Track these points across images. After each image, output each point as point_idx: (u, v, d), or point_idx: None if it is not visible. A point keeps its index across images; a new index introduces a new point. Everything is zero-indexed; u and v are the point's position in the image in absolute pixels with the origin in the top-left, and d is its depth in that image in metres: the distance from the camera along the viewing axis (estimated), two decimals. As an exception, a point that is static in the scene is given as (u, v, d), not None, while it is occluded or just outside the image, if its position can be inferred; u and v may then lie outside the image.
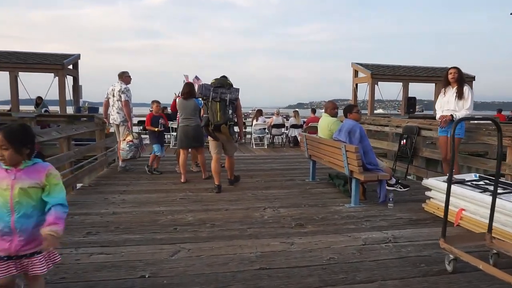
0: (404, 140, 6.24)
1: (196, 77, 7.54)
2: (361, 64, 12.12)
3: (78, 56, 10.65)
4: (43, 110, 9.62)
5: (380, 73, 11.45)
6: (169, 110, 7.80)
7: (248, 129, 12.76)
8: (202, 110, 5.65)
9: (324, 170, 6.15)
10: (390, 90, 12.28)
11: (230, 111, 5.17)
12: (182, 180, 5.85)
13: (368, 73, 11.34)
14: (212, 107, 5.07)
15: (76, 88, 10.72)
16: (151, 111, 6.48)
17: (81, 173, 5.95)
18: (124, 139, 6.32)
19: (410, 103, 10.27)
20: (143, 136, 7.20)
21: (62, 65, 9.59)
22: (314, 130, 11.37)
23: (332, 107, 5.47)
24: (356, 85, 12.63)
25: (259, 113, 11.20)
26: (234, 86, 5.38)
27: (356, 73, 12.57)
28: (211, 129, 5.27)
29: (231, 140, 5.43)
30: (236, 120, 5.60)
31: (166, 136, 9.23)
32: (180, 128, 5.91)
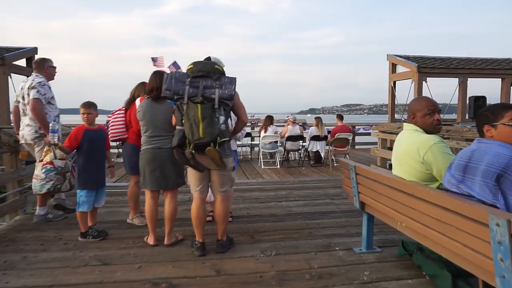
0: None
1: (175, 64, 4.89)
2: (401, 56, 9.33)
3: (33, 50, 8.16)
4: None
5: (429, 66, 8.66)
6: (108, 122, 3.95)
7: (255, 141, 10.05)
8: (173, 119, 2.98)
9: (388, 228, 3.39)
10: (438, 89, 9.43)
11: (222, 119, 2.84)
12: (151, 242, 3.35)
13: (414, 67, 8.55)
14: (190, 113, 2.75)
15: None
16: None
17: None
18: (41, 160, 3.64)
19: (478, 104, 7.47)
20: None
21: (1, 59, 7.10)
22: (343, 143, 8.59)
23: (424, 108, 2.42)
24: (394, 83, 9.81)
25: (269, 121, 8.48)
26: (227, 75, 2.95)
27: (393, 67, 9.78)
28: (190, 151, 2.80)
29: (225, 169, 3.05)
30: (232, 134, 3.30)
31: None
32: (146, 153, 3.24)
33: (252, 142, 9.95)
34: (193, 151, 2.79)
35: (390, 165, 6.64)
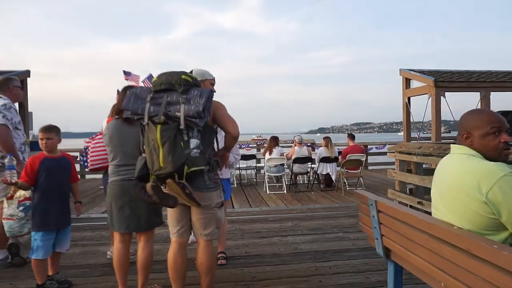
0: None
1: (150, 78, 4.33)
2: (416, 71, 8.69)
3: (25, 73, 7.76)
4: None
5: (447, 79, 7.99)
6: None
7: (261, 163, 9.39)
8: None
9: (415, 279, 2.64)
10: (458, 105, 8.72)
11: (194, 143, 2.24)
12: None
13: (430, 81, 7.89)
14: (150, 137, 2.21)
15: (24, 116, 7.76)
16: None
17: None
18: (11, 196, 3.01)
19: (507, 120, 6.72)
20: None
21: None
22: (355, 165, 7.87)
23: (485, 125, 1.67)
24: (409, 99, 9.14)
25: (274, 142, 7.83)
26: (199, 86, 2.38)
27: (407, 82, 9.12)
28: (152, 185, 2.18)
29: (207, 207, 2.39)
30: (215, 160, 2.44)
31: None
32: (113, 187, 2.61)
33: (258, 165, 9.30)
34: (156, 184, 2.17)
35: (411, 190, 5.89)
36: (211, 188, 2.37)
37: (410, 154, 5.76)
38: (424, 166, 5.98)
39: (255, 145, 11.56)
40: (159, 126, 2.12)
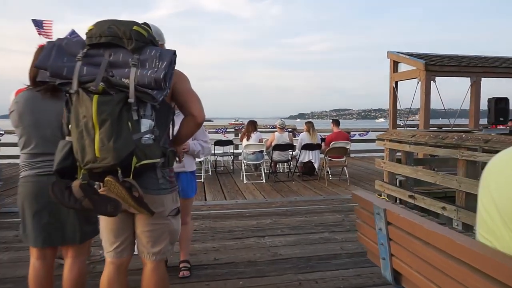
0: None
1: (73, 34, 3.51)
2: (405, 53, 8.15)
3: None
4: None
5: (437, 63, 7.50)
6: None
7: (239, 149, 8.73)
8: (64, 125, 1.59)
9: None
10: (447, 91, 8.25)
11: (147, 124, 1.54)
12: None
13: (420, 64, 7.37)
14: (80, 113, 1.44)
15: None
16: None
17: None
18: None
19: (500, 107, 6.31)
20: None
21: None
22: (340, 153, 7.33)
23: None
24: (396, 83, 8.62)
25: (252, 126, 7.15)
26: (156, 45, 1.62)
27: (395, 66, 8.59)
28: (81, 184, 1.44)
29: (160, 215, 1.70)
30: (172, 151, 1.75)
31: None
32: (26, 184, 1.89)
33: (235, 151, 8.62)
34: (88, 182, 1.49)
35: (400, 182, 5.39)
36: (165, 189, 1.70)
37: (401, 142, 5.24)
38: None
39: (233, 130, 10.86)
40: (95, 97, 1.42)
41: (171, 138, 1.82)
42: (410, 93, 8.31)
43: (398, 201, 5.23)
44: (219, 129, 10.78)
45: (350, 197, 5.65)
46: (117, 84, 1.47)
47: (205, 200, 5.50)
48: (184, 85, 1.77)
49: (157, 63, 1.49)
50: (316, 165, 7.24)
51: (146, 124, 1.53)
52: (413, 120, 10.79)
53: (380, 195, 5.63)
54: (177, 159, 1.89)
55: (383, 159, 5.60)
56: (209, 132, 10.61)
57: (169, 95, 1.67)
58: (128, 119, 1.46)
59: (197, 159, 7.32)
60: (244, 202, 5.32)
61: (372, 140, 11.74)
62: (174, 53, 1.58)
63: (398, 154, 5.49)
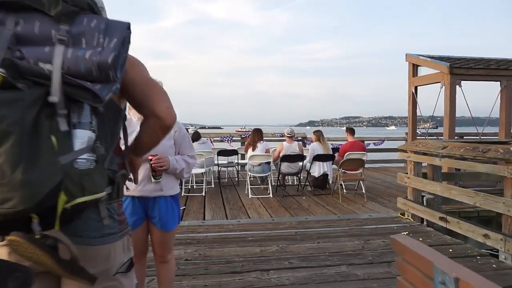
0: None
1: None
2: (425, 56, 7.46)
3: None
4: None
5: (463, 66, 6.80)
6: None
7: (245, 159, 8.08)
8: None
9: None
10: (474, 96, 7.51)
11: (84, 140, 0.90)
12: None
13: (444, 67, 6.67)
14: None
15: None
16: None
17: None
18: None
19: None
20: None
21: None
22: (356, 165, 6.63)
23: None
24: (416, 88, 7.91)
25: (257, 135, 6.50)
26: (99, 8, 0.94)
27: (414, 70, 7.89)
28: None
29: (104, 275, 1.02)
30: (122, 174, 1.10)
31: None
32: None
33: (241, 161, 7.97)
34: None
35: (427, 200, 4.68)
36: (111, 235, 1.08)
37: (427, 154, 4.54)
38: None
39: (239, 138, 10.24)
40: None
41: (125, 153, 1.21)
42: (428, 100, 7.63)
43: (425, 222, 4.52)
44: (224, 137, 10.17)
45: (369, 217, 4.96)
46: (30, 72, 0.86)
47: (204, 219, 4.87)
48: (142, 73, 1.17)
49: (102, 40, 0.90)
50: (330, 178, 6.56)
51: (82, 137, 0.92)
52: (424, 128, 9.98)
53: (403, 215, 4.92)
54: (130, 178, 1.27)
55: (406, 174, 4.90)
56: (214, 141, 10.00)
57: (119, 91, 1.06)
58: (50, 131, 0.85)
59: (198, 170, 6.82)
60: (248, 222, 4.66)
61: (388, 150, 11.01)
62: (128, 26, 0.97)
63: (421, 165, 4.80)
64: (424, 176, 4.77)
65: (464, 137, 8.84)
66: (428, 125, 8.24)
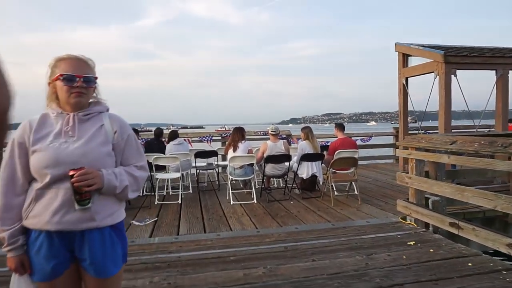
0: None
1: None
2: (419, 45, 6.96)
3: None
4: None
5: (459, 54, 6.32)
6: None
7: (227, 161, 7.38)
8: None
9: None
10: (468, 86, 7.02)
11: None
12: None
13: (438, 56, 6.18)
14: None
15: None
16: None
17: None
18: None
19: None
20: None
21: None
22: (348, 164, 6.04)
23: None
24: (407, 80, 7.42)
25: (238, 134, 5.81)
26: None
27: (405, 60, 7.40)
28: None
29: None
30: None
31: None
32: None
33: (221, 163, 7.26)
34: None
35: (433, 203, 4.13)
36: None
37: (429, 151, 3.99)
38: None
39: (220, 138, 9.54)
40: None
41: None
42: (419, 92, 7.14)
43: (430, 228, 3.98)
44: (203, 137, 9.46)
45: (366, 224, 4.37)
46: None
47: (178, 233, 4.18)
48: None
49: None
50: (321, 179, 5.97)
51: None
52: (409, 122, 9.49)
53: (404, 219, 4.37)
54: None
55: (407, 173, 4.35)
56: (193, 141, 9.27)
57: None
58: None
59: (173, 175, 6.10)
60: (229, 236, 4.00)
61: (377, 146, 10.55)
62: None
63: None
64: (426, 175, 4.24)
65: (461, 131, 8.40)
66: (409, 119, 7.78)
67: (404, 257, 3.20)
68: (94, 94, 1.56)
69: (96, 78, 1.51)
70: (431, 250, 3.34)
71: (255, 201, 5.60)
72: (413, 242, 3.57)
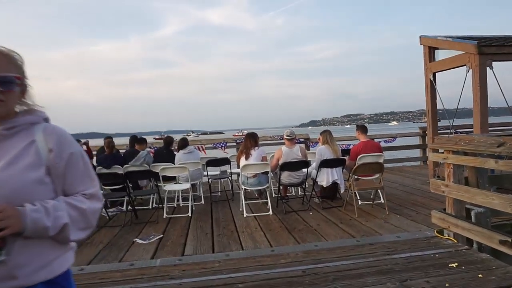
0: None
1: None
2: (447, 36, 6.34)
3: None
4: None
5: (494, 44, 5.68)
6: None
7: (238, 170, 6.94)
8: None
9: None
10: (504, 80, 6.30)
11: None
12: None
13: (471, 47, 5.55)
14: None
15: None
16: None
17: None
18: None
19: None
20: None
21: None
22: (372, 170, 5.45)
23: None
24: (434, 75, 6.79)
25: (251, 141, 5.31)
26: None
27: (431, 53, 6.77)
28: None
29: None
30: None
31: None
32: None
33: (234, 171, 6.81)
34: None
35: (477, 215, 3.51)
36: None
37: (468, 154, 3.42)
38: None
39: (234, 144, 9.11)
40: None
41: None
42: (447, 88, 6.49)
43: (474, 245, 3.39)
44: (217, 143, 9.06)
45: (397, 239, 3.81)
46: None
47: (183, 253, 3.75)
48: None
49: None
50: (342, 188, 5.44)
51: None
52: (425, 122, 8.65)
53: (441, 233, 3.79)
54: None
55: (443, 180, 3.78)
56: (206, 148, 8.89)
57: None
58: None
59: (182, 186, 5.67)
60: (239, 257, 3.53)
61: (401, 147, 9.88)
62: None
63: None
64: (465, 181, 3.66)
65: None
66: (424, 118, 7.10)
67: (447, 284, 2.65)
68: (27, 101, 1.15)
69: (18, 78, 1.09)
70: (480, 275, 2.77)
71: (270, 212, 5.12)
72: (456, 264, 3.00)
